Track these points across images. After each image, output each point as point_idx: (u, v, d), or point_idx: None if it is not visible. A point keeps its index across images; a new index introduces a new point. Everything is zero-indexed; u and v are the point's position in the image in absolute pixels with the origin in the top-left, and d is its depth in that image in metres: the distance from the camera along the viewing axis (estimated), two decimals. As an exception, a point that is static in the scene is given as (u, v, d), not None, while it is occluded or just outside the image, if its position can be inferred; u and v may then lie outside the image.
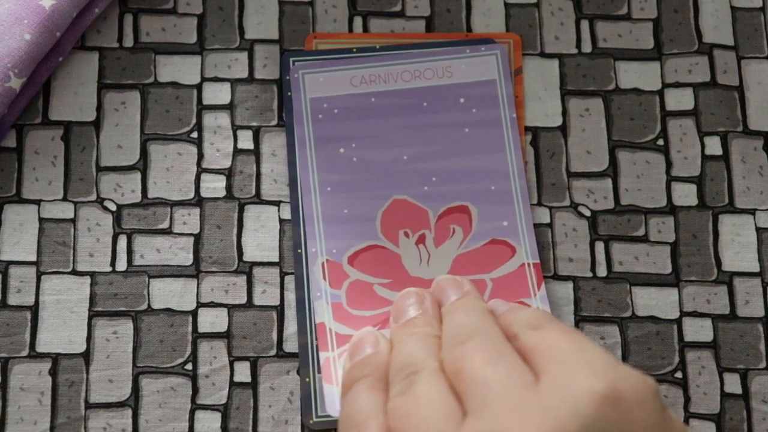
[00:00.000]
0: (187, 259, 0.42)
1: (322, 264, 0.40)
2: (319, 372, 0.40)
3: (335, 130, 0.41)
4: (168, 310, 0.42)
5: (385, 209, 0.40)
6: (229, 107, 0.44)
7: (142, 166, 0.43)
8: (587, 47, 0.45)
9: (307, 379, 0.41)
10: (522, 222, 0.41)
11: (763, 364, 0.42)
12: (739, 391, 0.42)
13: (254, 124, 0.44)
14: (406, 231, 0.40)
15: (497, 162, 0.41)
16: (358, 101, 0.41)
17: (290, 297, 0.42)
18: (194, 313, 0.42)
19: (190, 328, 0.42)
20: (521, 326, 0.34)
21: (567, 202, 0.43)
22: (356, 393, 0.35)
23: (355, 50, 0.44)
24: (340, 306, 0.40)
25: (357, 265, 0.40)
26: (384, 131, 0.41)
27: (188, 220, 0.43)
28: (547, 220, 0.43)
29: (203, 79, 0.44)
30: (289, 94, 0.43)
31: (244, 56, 0.44)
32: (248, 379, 0.41)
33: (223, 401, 0.41)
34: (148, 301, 0.42)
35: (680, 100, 0.45)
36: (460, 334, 0.33)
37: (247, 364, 0.41)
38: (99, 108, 0.44)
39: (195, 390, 0.41)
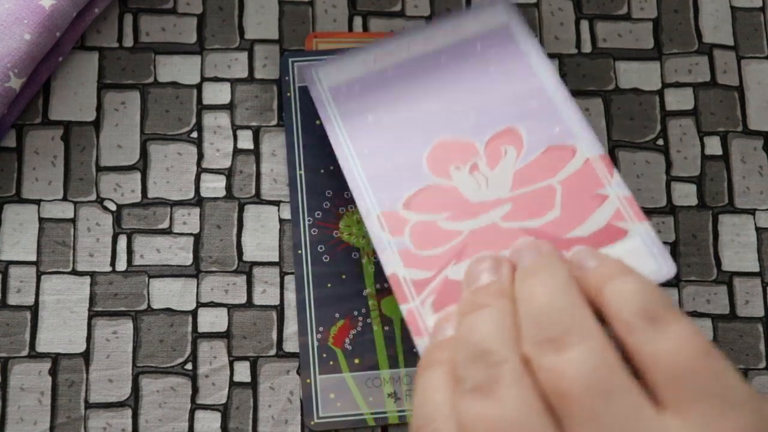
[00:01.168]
0: (187, 258, 0.42)
1: (377, 216, 0.38)
2: (406, 325, 0.38)
3: (360, 104, 0.40)
4: (168, 310, 0.42)
5: (429, 152, 0.39)
6: (229, 107, 0.44)
7: (142, 166, 0.43)
8: (587, 47, 0.45)
9: (308, 380, 0.41)
10: (574, 122, 0.39)
11: (763, 364, 0.42)
12: (738, 391, 0.42)
13: (254, 124, 0.44)
14: (456, 165, 0.39)
15: (530, 84, 0.40)
16: (377, 78, 0.41)
17: (290, 297, 0.42)
18: (194, 313, 0.42)
19: (189, 328, 0.42)
20: (633, 314, 0.27)
21: (567, 202, 0.43)
22: (434, 385, 0.30)
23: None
24: (408, 252, 0.37)
25: (414, 207, 0.38)
26: (409, 93, 0.40)
27: (188, 220, 0.43)
28: (547, 220, 0.43)
29: (203, 79, 0.44)
30: (288, 94, 0.43)
31: (244, 56, 0.44)
32: (248, 379, 0.41)
33: (223, 401, 0.41)
34: (148, 300, 0.42)
35: (680, 100, 0.45)
36: (546, 327, 0.28)
37: (246, 364, 0.41)
38: (99, 108, 0.44)
39: (195, 390, 0.41)
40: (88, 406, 0.41)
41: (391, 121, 0.40)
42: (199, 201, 0.43)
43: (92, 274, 0.42)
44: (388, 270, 0.37)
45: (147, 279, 0.42)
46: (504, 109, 0.39)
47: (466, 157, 0.39)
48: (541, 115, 0.39)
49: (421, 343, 0.35)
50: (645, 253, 0.36)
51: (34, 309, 0.41)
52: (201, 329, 0.42)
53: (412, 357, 0.42)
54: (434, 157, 0.39)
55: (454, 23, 0.41)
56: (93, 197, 0.43)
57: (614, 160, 0.44)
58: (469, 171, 0.38)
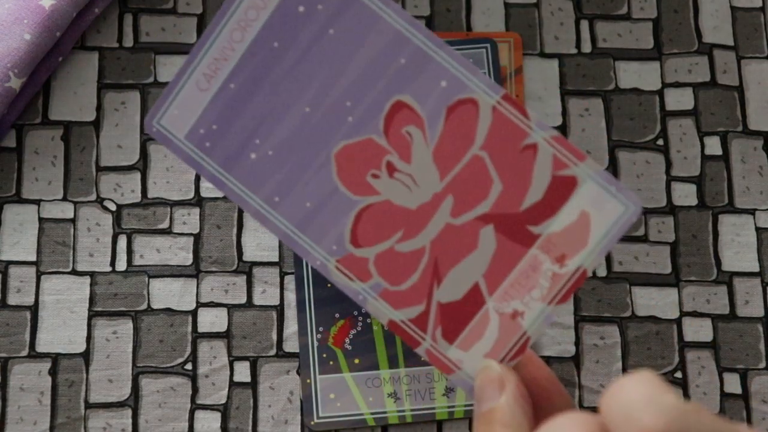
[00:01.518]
0: (186, 258, 0.42)
1: (336, 268, 0.35)
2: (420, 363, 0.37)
3: (231, 142, 0.35)
4: (168, 310, 0.42)
5: (336, 171, 0.35)
6: (229, 107, 0.44)
7: (142, 166, 0.43)
8: (587, 47, 0.45)
9: (308, 380, 0.41)
10: (456, 67, 0.34)
11: (762, 364, 0.42)
12: (738, 391, 0.42)
13: (254, 124, 0.44)
14: (372, 173, 0.35)
15: (385, 35, 0.35)
16: (224, 99, 0.35)
17: (290, 297, 0.42)
18: (194, 313, 0.42)
19: (189, 328, 0.42)
20: None
21: (567, 202, 0.43)
22: None
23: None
24: (388, 292, 0.35)
25: (363, 241, 0.35)
26: (268, 102, 0.35)
27: (188, 220, 0.43)
28: (547, 220, 0.43)
29: (203, 79, 0.44)
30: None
31: (243, 56, 0.44)
32: (248, 379, 0.41)
33: (223, 401, 0.41)
34: (148, 300, 0.42)
35: (680, 100, 0.45)
36: None
37: (246, 364, 0.41)
38: (99, 108, 0.44)
39: (195, 390, 0.41)
40: (88, 406, 0.41)
41: (274, 148, 0.35)
42: (198, 201, 0.43)
43: (92, 274, 0.42)
44: (383, 319, 0.35)
45: (147, 279, 0.42)
46: (376, 79, 0.35)
47: (374, 158, 0.35)
48: (417, 71, 0.35)
49: (454, 378, 0.34)
50: (606, 197, 0.34)
51: (34, 309, 0.41)
52: (201, 329, 0.42)
53: (411, 357, 0.42)
54: (345, 174, 0.35)
55: None
56: (93, 197, 0.43)
57: (614, 160, 0.44)
58: (388, 175, 0.35)
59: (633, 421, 0.25)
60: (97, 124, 0.44)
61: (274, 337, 0.42)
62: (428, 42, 0.34)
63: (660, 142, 0.44)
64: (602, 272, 0.43)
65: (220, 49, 0.35)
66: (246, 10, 0.35)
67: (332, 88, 0.35)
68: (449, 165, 0.35)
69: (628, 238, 0.43)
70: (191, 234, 0.42)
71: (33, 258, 0.42)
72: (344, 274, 0.35)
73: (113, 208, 0.43)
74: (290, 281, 0.42)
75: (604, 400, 0.27)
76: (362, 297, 0.35)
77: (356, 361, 0.41)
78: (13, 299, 0.42)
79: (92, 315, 0.42)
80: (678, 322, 0.42)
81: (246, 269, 0.42)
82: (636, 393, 0.26)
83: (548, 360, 0.42)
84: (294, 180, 0.35)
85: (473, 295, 0.35)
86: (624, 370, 0.42)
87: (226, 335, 0.42)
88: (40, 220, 0.42)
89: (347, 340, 0.42)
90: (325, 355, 0.41)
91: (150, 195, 0.43)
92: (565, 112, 0.44)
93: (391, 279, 0.35)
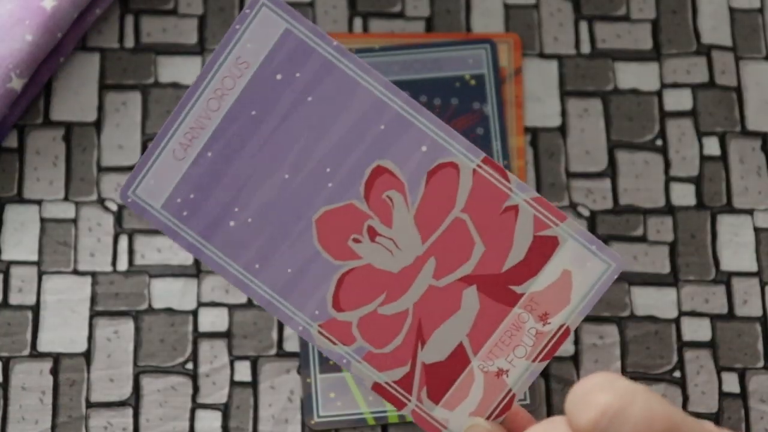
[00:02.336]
0: (187, 258, 0.42)
1: (319, 332, 0.35)
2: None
3: (209, 211, 0.35)
4: (168, 310, 0.42)
5: (317, 237, 0.35)
6: (230, 108, 0.44)
7: (143, 166, 0.43)
8: (586, 48, 0.45)
9: (308, 380, 0.41)
10: (435, 131, 0.35)
11: (761, 364, 0.42)
12: (737, 390, 0.42)
13: (254, 124, 0.44)
14: (353, 237, 0.35)
15: (363, 102, 0.35)
16: (201, 168, 0.35)
17: (290, 296, 0.42)
18: (195, 313, 0.42)
19: (190, 328, 0.42)
20: None
21: (566, 202, 0.43)
22: None
23: (353, 51, 0.44)
24: (372, 354, 0.35)
25: (345, 305, 0.35)
26: (246, 170, 0.35)
27: (189, 220, 0.43)
28: (546, 220, 0.43)
29: (204, 80, 0.44)
30: None
31: (244, 57, 0.45)
32: (248, 379, 0.41)
33: (224, 400, 0.41)
34: (149, 300, 0.42)
35: (679, 100, 0.45)
36: None
37: (247, 364, 0.41)
38: (100, 108, 0.44)
39: (195, 389, 0.41)
40: (89, 405, 0.41)
41: (254, 215, 0.35)
42: (199, 201, 0.43)
43: (93, 274, 0.42)
44: (368, 383, 0.35)
45: (148, 279, 0.42)
46: (356, 145, 0.35)
47: (355, 223, 0.35)
48: (397, 136, 0.35)
49: None
50: (587, 255, 0.34)
51: (36, 309, 0.42)
52: (201, 329, 0.42)
53: (411, 356, 0.42)
54: (326, 239, 0.35)
55: (231, 57, 0.35)
56: (94, 197, 0.43)
57: (613, 160, 0.44)
58: (370, 240, 0.35)
59: (588, 401, 0.28)
60: (98, 125, 0.44)
61: (275, 336, 0.42)
62: (407, 107, 0.35)
63: (659, 142, 0.44)
64: (601, 272, 0.43)
65: (196, 119, 0.35)
66: (222, 78, 0.35)
67: (312, 154, 0.35)
68: (431, 228, 0.35)
69: (627, 238, 0.43)
70: (192, 234, 0.43)
71: (34, 258, 0.42)
72: (327, 338, 0.35)
73: (114, 208, 0.43)
74: (290, 281, 0.42)
75: (568, 397, 0.29)
76: (346, 360, 0.35)
77: (356, 360, 0.41)
78: (14, 299, 0.42)
79: (93, 315, 0.42)
80: (676, 321, 0.42)
81: (246, 269, 0.42)
82: (592, 381, 0.29)
83: (547, 359, 0.42)
84: (274, 247, 0.35)
85: (458, 355, 0.35)
86: (623, 369, 0.42)
87: (226, 335, 0.42)
88: (42, 220, 0.42)
89: (347, 340, 0.42)
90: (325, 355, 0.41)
91: (151, 195, 0.43)
92: (564, 113, 0.45)
93: (375, 342, 0.35)
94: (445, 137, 0.35)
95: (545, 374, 0.42)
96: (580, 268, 0.34)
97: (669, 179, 0.44)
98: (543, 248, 0.35)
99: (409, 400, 0.35)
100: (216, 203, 0.35)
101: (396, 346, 0.35)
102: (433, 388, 0.35)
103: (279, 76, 0.35)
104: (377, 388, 0.35)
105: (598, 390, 0.28)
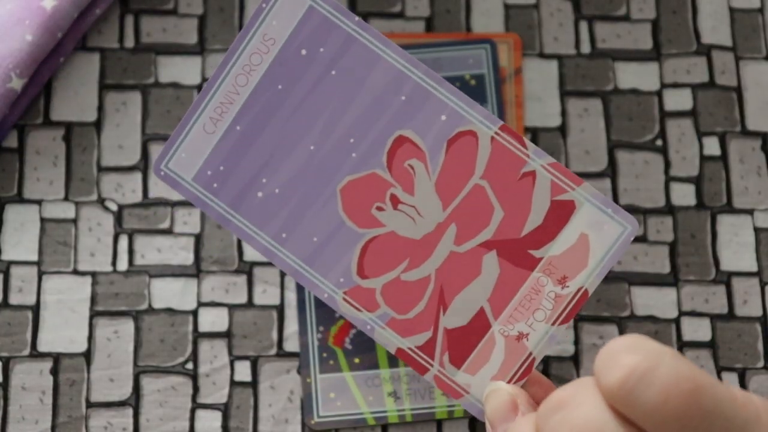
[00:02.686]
0: (187, 258, 0.42)
1: (344, 299, 0.36)
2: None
3: (238, 183, 0.36)
4: (169, 310, 0.42)
5: (341, 205, 0.36)
6: (230, 108, 0.44)
7: (143, 166, 0.43)
8: (586, 48, 0.45)
9: (309, 380, 0.41)
10: (455, 100, 0.36)
11: (761, 364, 0.42)
12: (737, 390, 0.42)
13: (254, 124, 0.44)
14: (377, 206, 0.36)
15: (385, 74, 0.36)
16: (231, 141, 0.36)
17: (290, 296, 0.42)
18: (195, 313, 0.42)
19: (190, 328, 0.42)
20: None
21: (566, 202, 0.43)
22: None
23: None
24: (395, 320, 0.36)
25: (369, 272, 0.36)
26: (274, 144, 0.36)
27: (189, 220, 0.43)
28: (546, 220, 0.43)
29: (204, 80, 0.44)
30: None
31: (244, 57, 0.45)
32: (249, 379, 0.41)
33: (224, 400, 0.41)
34: (149, 300, 0.42)
35: (678, 100, 0.45)
36: None
37: (247, 364, 0.41)
38: (100, 108, 0.44)
39: (195, 389, 0.41)
40: (89, 405, 0.41)
41: (281, 186, 0.36)
42: (199, 201, 0.43)
43: (93, 274, 0.42)
44: (391, 348, 0.36)
45: (148, 279, 0.42)
46: (378, 116, 0.36)
47: (378, 192, 0.36)
48: (417, 106, 0.36)
49: (463, 402, 0.35)
50: (604, 219, 0.35)
51: (36, 309, 0.42)
52: (202, 329, 0.42)
53: (411, 356, 0.42)
54: (350, 208, 0.36)
55: (258, 35, 0.36)
56: (94, 197, 0.43)
57: (613, 160, 0.44)
58: (393, 207, 0.36)
59: (615, 361, 0.28)
60: (98, 125, 0.44)
61: (275, 336, 0.42)
62: (427, 78, 0.36)
63: (659, 142, 0.44)
64: (601, 272, 0.43)
65: (225, 94, 0.36)
66: (250, 55, 0.36)
67: (336, 126, 0.36)
68: (451, 195, 0.36)
69: (627, 238, 0.43)
70: (192, 234, 0.43)
71: (34, 258, 0.42)
72: (352, 305, 0.36)
73: (114, 208, 0.43)
74: (290, 281, 0.42)
75: (597, 358, 0.29)
76: (370, 327, 0.36)
77: (356, 360, 0.41)
78: (14, 299, 0.42)
79: (93, 314, 0.42)
80: (677, 321, 0.43)
81: (246, 269, 0.42)
82: (620, 342, 0.28)
83: (547, 359, 0.42)
84: (300, 216, 0.36)
85: (479, 319, 0.36)
86: (623, 369, 0.42)
87: (226, 335, 0.42)
88: (42, 220, 0.43)
89: (347, 340, 0.42)
90: (325, 355, 0.41)
91: (151, 195, 0.43)
92: (564, 113, 0.45)
93: (398, 308, 0.36)
94: (463, 106, 0.36)
95: (545, 374, 0.42)
96: (597, 231, 0.35)
97: (669, 179, 0.44)
98: (560, 212, 0.35)
99: (432, 365, 0.36)
100: (244, 175, 0.36)
101: (419, 311, 0.36)
102: (455, 353, 0.35)
103: (304, 52, 0.36)
104: (400, 353, 0.36)
105: (626, 350, 0.28)
